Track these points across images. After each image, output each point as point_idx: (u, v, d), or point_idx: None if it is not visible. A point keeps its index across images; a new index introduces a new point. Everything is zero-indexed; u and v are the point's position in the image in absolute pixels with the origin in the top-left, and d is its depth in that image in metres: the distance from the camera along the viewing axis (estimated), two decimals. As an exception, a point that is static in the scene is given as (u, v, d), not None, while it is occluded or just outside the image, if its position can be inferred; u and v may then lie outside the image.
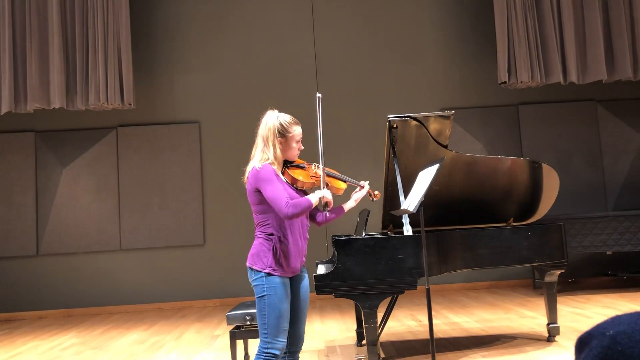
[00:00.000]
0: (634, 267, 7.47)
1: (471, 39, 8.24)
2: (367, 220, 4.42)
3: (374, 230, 5.03)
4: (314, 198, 2.76)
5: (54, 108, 7.21)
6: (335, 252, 3.87)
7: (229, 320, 3.92)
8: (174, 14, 8.24)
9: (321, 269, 4.38)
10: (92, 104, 7.19)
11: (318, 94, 3.02)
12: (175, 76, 8.21)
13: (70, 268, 7.90)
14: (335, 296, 3.81)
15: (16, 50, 7.15)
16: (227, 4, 8.27)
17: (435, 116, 4.23)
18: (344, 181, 3.09)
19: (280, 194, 2.67)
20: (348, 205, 3.01)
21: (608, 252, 6.81)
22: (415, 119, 4.14)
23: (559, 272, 4.46)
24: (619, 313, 0.71)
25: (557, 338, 4.57)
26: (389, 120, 4.11)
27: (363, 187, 3.12)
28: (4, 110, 7.02)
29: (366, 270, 3.75)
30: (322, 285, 3.75)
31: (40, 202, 7.94)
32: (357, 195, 3.06)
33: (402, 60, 8.24)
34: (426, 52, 8.27)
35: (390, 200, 4.30)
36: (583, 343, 0.69)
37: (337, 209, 2.97)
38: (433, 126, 4.20)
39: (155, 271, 7.94)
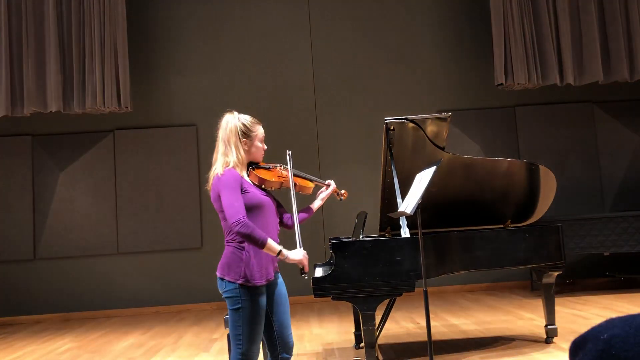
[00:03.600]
0: (632, 268, 7.48)
1: (468, 41, 8.26)
2: (364, 222, 4.41)
3: (371, 232, 5.03)
4: (274, 247, 2.57)
5: (50, 111, 7.20)
6: (333, 254, 3.87)
7: (227, 323, 3.91)
8: (170, 17, 8.24)
9: (319, 272, 4.37)
10: (89, 107, 7.18)
11: (288, 151, 2.96)
12: (172, 79, 8.21)
13: (68, 272, 7.88)
14: (333, 299, 3.80)
15: (12, 53, 7.14)
16: (224, 8, 8.27)
17: (432, 118, 4.23)
18: (311, 181, 3.09)
19: (237, 204, 2.55)
20: (316, 205, 3.01)
21: (605, 253, 6.81)
22: (412, 121, 4.14)
23: (556, 273, 4.46)
24: (616, 314, 0.71)
25: (555, 339, 4.57)
26: (386, 123, 4.11)
27: (329, 185, 3.09)
28: (1, 114, 7.01)
29: (364, 273, 3.75)
30: (320, 287, 3.74)
31: (38, 206, 7.92)
32: (323, 194, 3.05)
33: (399, 63, 8.25)
34: (423, 54, 8.28)
35: (388, 203, 4.30)
36: (578, 347, 0.69)
37: (306, 209, 2.98)
38: (430, 128, 4.20)
39: (152, 274, 7.93)
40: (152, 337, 6.10)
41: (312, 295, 3.78)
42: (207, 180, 2.78)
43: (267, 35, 8.25)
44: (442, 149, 4.28)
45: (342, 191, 3.19)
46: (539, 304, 6.17)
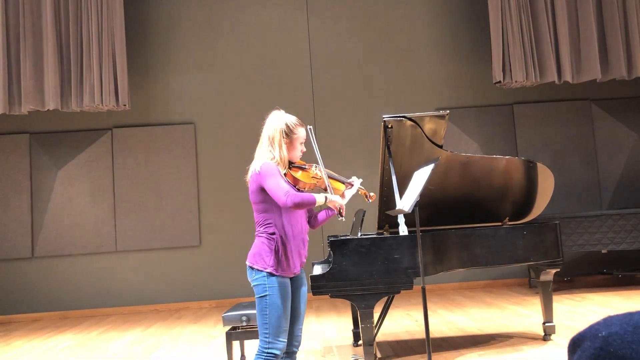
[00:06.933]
0: (629, 265, 7.50)
1: (466, 38, 8.26)
2: (362, 220, 4.42)
3: (369, 230, 5.03)
4: (320, 198, 2.78)
5: (48, 109, 7.18)
6: (331, 252, 3.87)
7: (225, 321, 3.91)
8: (168, 14, 8.22)
9: (317, 270, 4.37)
10: (87, 105, 7.17)
11: (309, 126, 3.02)
12: (170, 77, 8.19)
13: (66, 270, 7.88)
14: (331, 297, 3.81)
15: (10, 51, 7.12)
16: (222, 5, 8.26)
17: (430, 116, 4.23)
18: (342, 182, 3.10)
19: (281, 184, 2.70)
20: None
21: (603, 251, 6.83)
22: (410, 119, 4.14)
23: (554, 271, 4.47)
24: (614, 312, 0.71)
25: (552, 337, 4.58)
26: (384, 121, 4.11)
27: (352, 184, 3.09)
28: (-2, 112, 6.99)
29: (362, 271, 3.75)
30: (318, 285, 3.75)
31: (35, 204, 7.91)
32: (348, 193, 3.04)
33: (397, 60, 8.25)
34: (421, 51, 8.28)
35: (386, 201, 4.30)
36: (575, 344, 0.70)
37: (329, 209, 3.00)
38: (428, 126, 4.21)
39: (151, 272, 7.93)
40: (151, 335, 6.10)
41: (311, 293, 3.78)
42: (246, 172, 2.89)
43: (264, 33, 8.24)
44: (440, 146, 4.28)
45: (371, 193, 3.18)
46: (536, 301, 6.19)
